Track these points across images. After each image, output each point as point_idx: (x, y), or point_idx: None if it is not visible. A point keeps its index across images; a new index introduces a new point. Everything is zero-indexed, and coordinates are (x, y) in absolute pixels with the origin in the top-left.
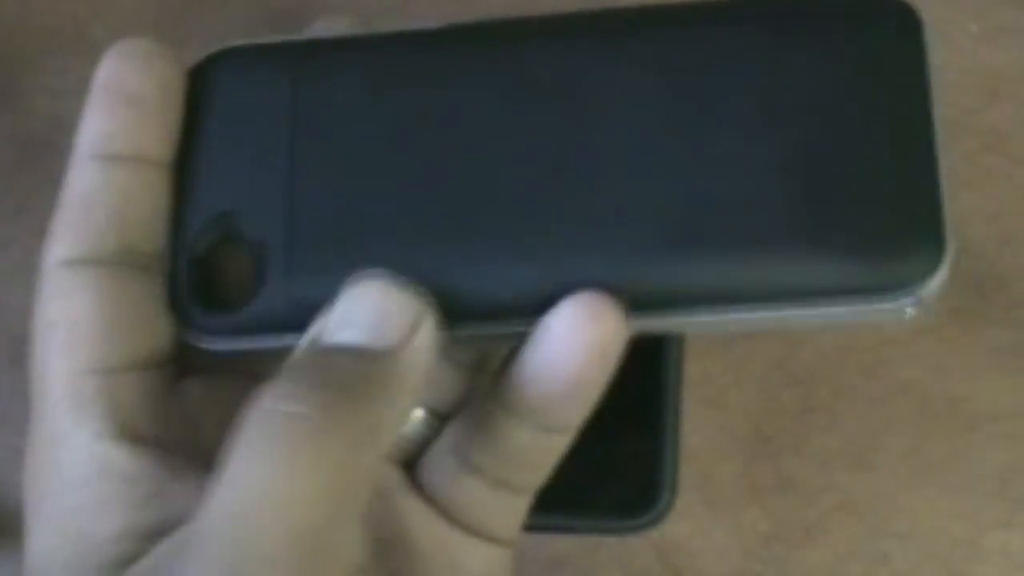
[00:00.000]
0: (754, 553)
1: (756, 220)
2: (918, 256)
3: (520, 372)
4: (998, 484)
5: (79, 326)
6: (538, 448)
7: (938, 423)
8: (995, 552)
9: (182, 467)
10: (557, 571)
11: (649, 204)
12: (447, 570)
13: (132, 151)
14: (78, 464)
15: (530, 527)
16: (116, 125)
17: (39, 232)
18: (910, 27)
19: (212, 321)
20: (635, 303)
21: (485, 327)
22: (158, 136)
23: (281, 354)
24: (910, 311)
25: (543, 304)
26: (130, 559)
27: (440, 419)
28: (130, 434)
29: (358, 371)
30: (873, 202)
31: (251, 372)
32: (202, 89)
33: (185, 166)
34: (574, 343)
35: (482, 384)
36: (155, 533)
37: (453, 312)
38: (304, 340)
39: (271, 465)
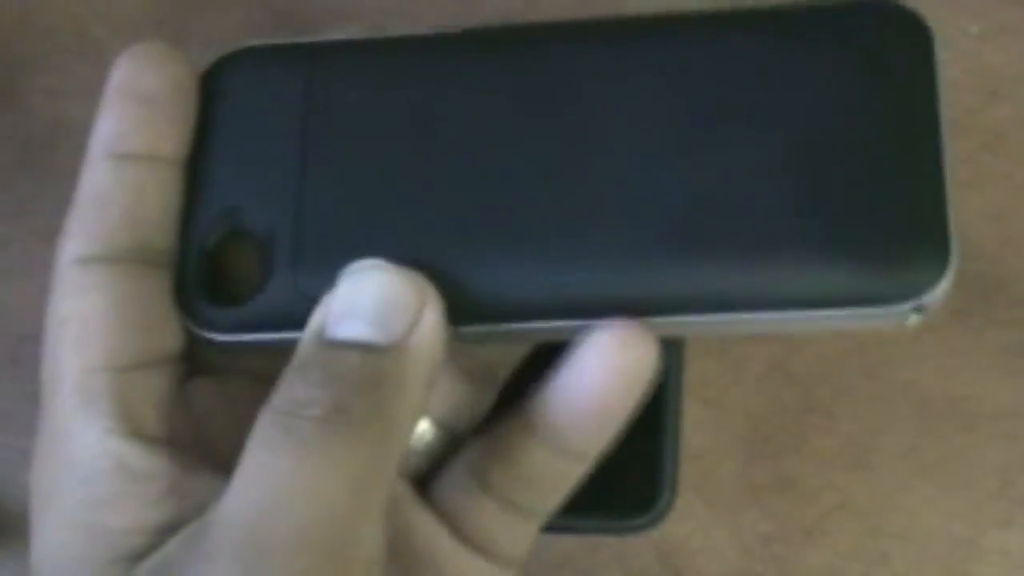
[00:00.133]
0: (754, 553)
1: (761, 226)
2: (923, 264)
3: (548, 394)
4: (998, 484)
5: (91, 323)
6: (555, 473)
7: (938, 423)
8: (995, 552)
9: (194, 465)
10: (557, 571)
11: (654, 208)
12: None
13: (146, 150)
14: (90, 459)
15: None
16: (130, 124)
17: (39, 232)
18: (921, 39)
19: (217, 314)
20: (636, 306)
21: (489, 326)
22: (171, 135)
23: (285, 351)
24: (913, 318)
25: (546, 306)
26: (144, 553)
27: (449, 433)
28: (140, 432)
29: (368, 368)
30: (879, 210)
31: (260, 373)
32: (217, 87)
33: (197, 161)
34: (606, 369)
35: (492, 398)
36: (169, 528)
37: (457, 311)
38: (308, 331)
39: (292, 461)
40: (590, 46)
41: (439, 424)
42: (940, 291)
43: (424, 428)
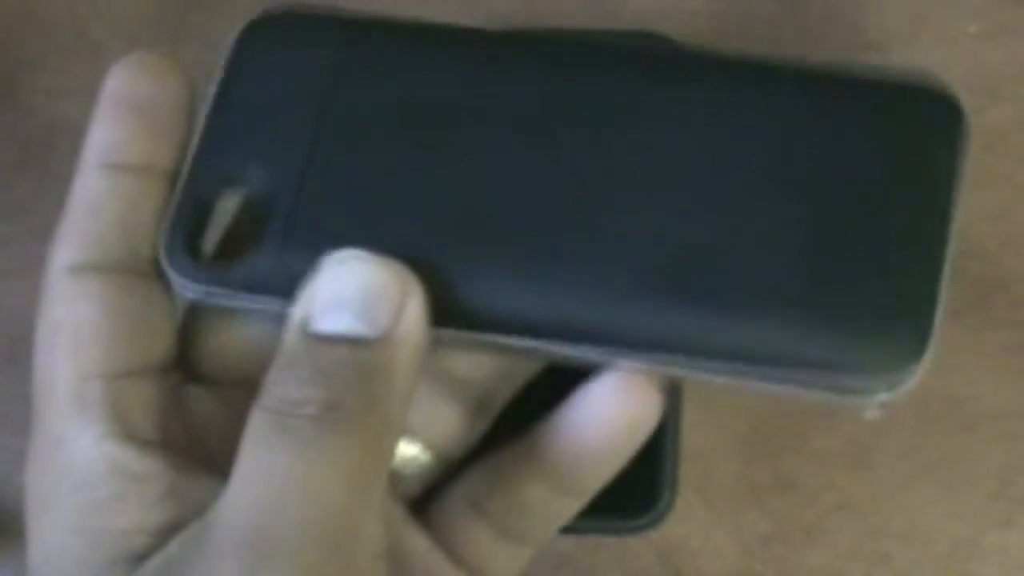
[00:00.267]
0: (754, 553)
1: (746, 281)
2: (896, 355)
3: (551, 432)
4: (998, 484)
5: (84, 331)
6: (551, 507)
7: (938, 423)
8: (995, 552)
9: (190, 468)
10: (557, 571)
11: (645, 245)
12: None
13: (139, 160)
14: (86, 463)
15: None
16: (124, 134)
17: (39, 232)
18: (956, 136)
19: (198, 268)
20: (608, 339)
21: (471, 335)
22: (165, 146)
23: (251, 318)
24: (872, 411)
25: (530, 324)
26: (145, 553)
27: (442, 458)
28: (135, 436)
29: (358, 363)
30: (867, 294)
31: (253, 380)
32: (248, 45)
33: (213, 114)
34: (610, 412)
35: (487, 425)
36: (169, 529)
37: (437, 312)
38: (291, 324)
39: (290, 459)
40: (626, 76)
41: (433, 449)
42: (907, 387)
43: (417, 452)
